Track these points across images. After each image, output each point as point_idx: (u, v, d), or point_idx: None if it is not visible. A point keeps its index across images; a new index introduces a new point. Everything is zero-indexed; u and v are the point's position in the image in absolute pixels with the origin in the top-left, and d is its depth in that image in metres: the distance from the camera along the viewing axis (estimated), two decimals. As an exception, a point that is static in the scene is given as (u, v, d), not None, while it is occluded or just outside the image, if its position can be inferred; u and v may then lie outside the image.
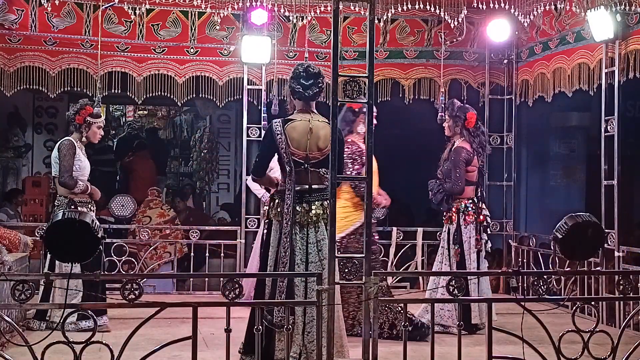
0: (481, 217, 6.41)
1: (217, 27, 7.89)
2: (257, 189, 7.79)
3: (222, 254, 8.23)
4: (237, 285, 3.75)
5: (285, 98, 5.96)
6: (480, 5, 7.10)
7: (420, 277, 8.23)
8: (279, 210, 4.89)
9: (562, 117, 11.10)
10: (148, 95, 8.10)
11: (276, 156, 4.97)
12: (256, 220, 8.22)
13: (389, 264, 8.21)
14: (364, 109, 6.14)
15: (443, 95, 8.05)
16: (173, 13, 8.01)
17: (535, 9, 7.13)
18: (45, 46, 7.78)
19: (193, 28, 8.05)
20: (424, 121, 8.91)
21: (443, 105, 7.44)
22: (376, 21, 6.12)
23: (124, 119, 15.02)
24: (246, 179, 8.12)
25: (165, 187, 12.54)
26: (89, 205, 6.26)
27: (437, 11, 7.20)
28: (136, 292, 3.64)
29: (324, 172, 4.85)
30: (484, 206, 6.52)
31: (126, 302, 3.66)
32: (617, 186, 6.77)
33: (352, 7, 7.63)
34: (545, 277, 4.12)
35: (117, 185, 12.28)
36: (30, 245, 6.87)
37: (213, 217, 12.19)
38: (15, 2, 7.57)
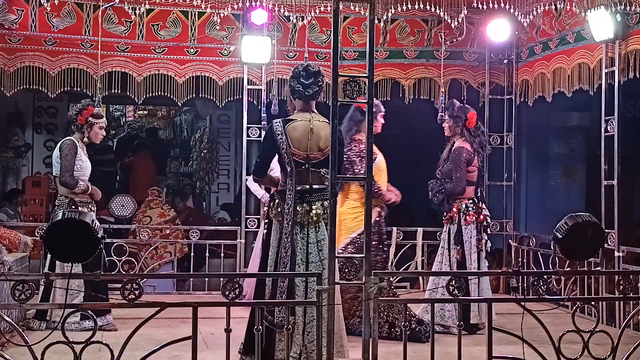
0: (481, 217, 6.42)
1: (217, 27, 7.90)
2: (257, 190, 7.80)
3: (222, 254, 8.23)
4: (237, 285, 3.75)
5: (285, 98, 5.96)
6: (480, 5, 7.11)
7: (420, 277, 8.23)
8: (279, 210, 4.89)
9: (562, 117, 11.10)
10: (148, 95, 8.11)
11: (276, 156, 4.97)
12: (256, 220, 8.22)
13: (389, 264, 8.21)
14: (373, 109, 6.17)
15: (443, 95, 8.07)
16: (173, 13, 8.01)
17: (535, 9, 7.14)
18: (45, 46, 7.79)
19: (193, 28, 8.05)
20: (424, 121, 8.92)
21: (443, 105, 7.44)
22: (376, 21, 6.13)
23: (124, 119, 15.03)
24: (246, 179, 8.12)
25: (165, 187, 12.53)
26: (90, 205, 6.28)
27: (437, 11, 7.21)
28: (136, 292, 3.64)
29: (325, 172, 4.84)
30: (484, 206, 6.53)
31: (126, 302, 3.65)
32: (617, 186, 6.77)
33: (352, 7, 7.63)
34: (545, 277, 4.12)
35: (117, 185, 12.28)
36: (30, 245, 6.87)
37: (213, 217, 12.19)
38: (15, 2, 7.57)
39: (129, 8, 7.51)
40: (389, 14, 7.40)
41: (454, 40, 8.23)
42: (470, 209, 6.39)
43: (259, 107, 8.21)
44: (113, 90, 8.01)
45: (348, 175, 6.08)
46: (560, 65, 7.64)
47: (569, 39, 7.51)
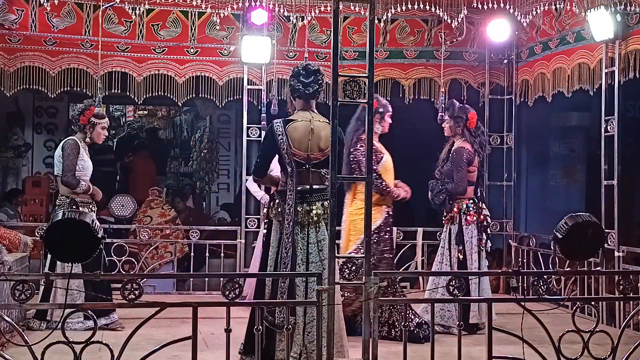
0: (481, 216, 6.43)
1: (217, 27, 7.90)
2: (256, 191, 7.80)
3: (222, 254, 8.24)
4: (237, 285, 3.75)
5: (285, 98, 5.96)
6: (480, 5, 7.11)
7: (420, 277, 8.23)
8: (279, 210, 4.89)
9: (562, 117, 11.09)
10: (148, 95, 8.11)
11: (277, 156, 4.97)
12: (256, 220, 8.22)
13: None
14: (380, 109, 6.20)
15: (443, 95, 8.07)
16: (173, 13, 8.01)
17: (535, 9, 7.13)
18: (45, 46, 7.79)
19: (193, 28, 8.05)
20: (424, 121, 8.91)
21: (443, 105, 7.44)
22: (376, 21, 6.13)
23: (124, 119, 15.03)
24: (246, 179, 8.12)
25: (165, 187, 12.52)
26: (91, 205, 6.29)
27: (437, 11, 7.21)
28: (136, 292, 3.64)
29: (325, 173, 4.84)
30: (484, 206, 6.54)
31: (126, 302, 3.65)
32: (617, 186, 6.77)
33: (352, 7, 7.63)
34: (545, 277, 4.12)
35: (117, 185, 12.27)
36: (30, 245, 6.87)
37: (213, 217, 12.18)
38: (15, 2, 7.57)
39: (129, 8, 7.50)
40: (389, 14, 7.40)
41: (454, 40, 8.23)
42: (470, 209, 6.39)
43: (259, 107, 8.21)
44: (113, 90, 8.01)
45: (349, 175, 6.07)
46: (560, 65, 7.64)
47: (569, 39, 7.51)
